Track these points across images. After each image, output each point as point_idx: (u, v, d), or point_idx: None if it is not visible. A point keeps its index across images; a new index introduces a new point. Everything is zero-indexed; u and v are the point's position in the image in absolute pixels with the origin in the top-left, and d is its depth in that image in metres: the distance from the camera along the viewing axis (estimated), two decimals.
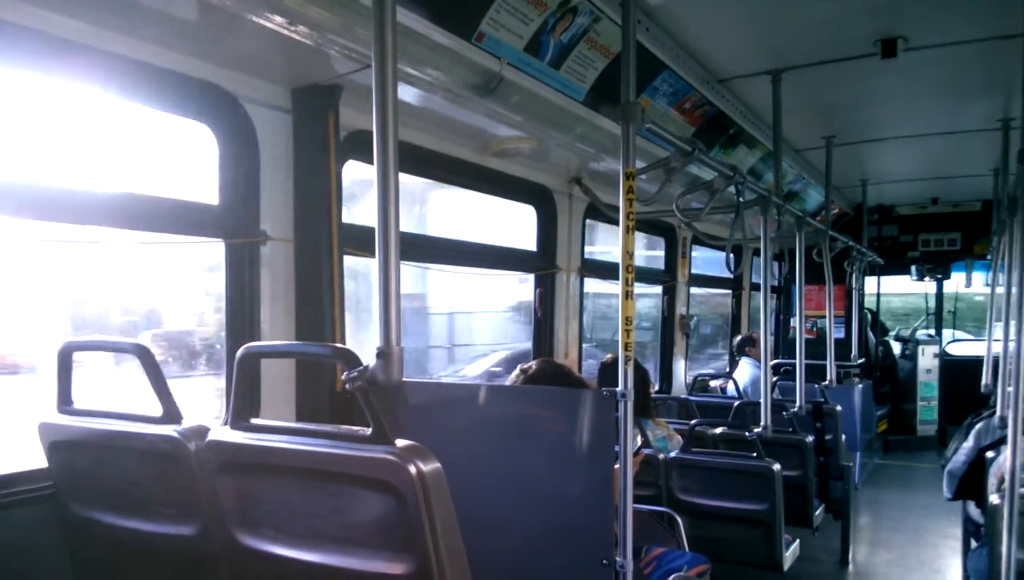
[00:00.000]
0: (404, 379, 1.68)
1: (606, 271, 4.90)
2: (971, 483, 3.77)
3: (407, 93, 2.56)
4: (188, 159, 2.61)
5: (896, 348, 9.79)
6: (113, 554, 2.04)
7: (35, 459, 2.08)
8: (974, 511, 4.04)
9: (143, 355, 1.86)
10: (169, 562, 1.95)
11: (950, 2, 3.15)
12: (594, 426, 2.14)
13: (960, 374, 8.26)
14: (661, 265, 6.13)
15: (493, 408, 2.39)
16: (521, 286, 5.16)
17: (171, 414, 1.85)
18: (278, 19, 2.00)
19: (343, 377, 1.60)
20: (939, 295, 10.09)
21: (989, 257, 6.82)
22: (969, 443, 3.95)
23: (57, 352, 2.02)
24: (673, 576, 2.85)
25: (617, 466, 2.22)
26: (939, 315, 10.18)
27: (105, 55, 2.08)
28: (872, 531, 5.93)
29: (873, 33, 3.44)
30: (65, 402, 2.03)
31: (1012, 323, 3.11)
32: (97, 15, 1.99)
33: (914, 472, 8.10)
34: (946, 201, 8.33)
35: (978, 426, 4.02)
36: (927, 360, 9.05)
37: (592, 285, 5.13)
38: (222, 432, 1.78)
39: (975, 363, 6.58)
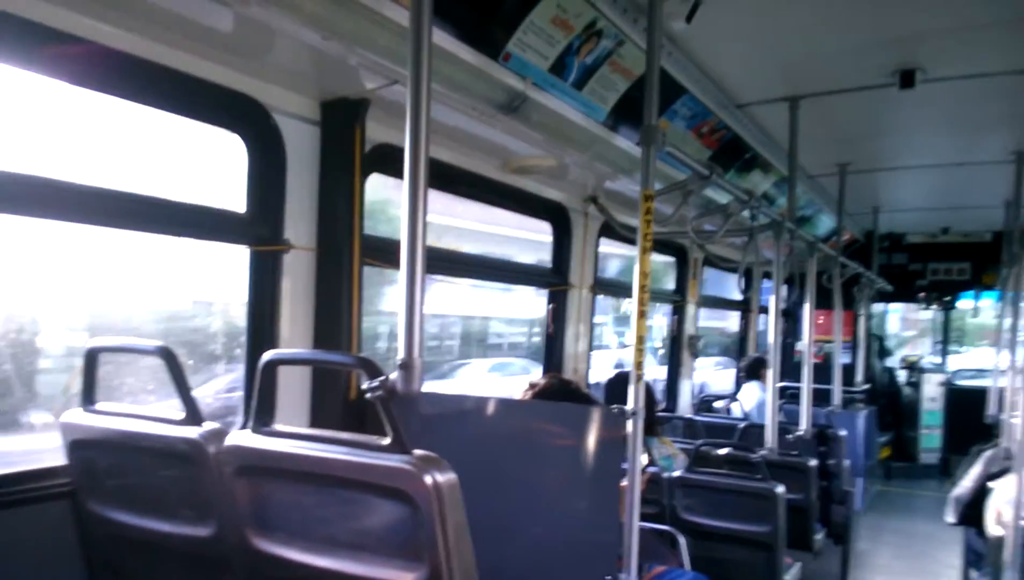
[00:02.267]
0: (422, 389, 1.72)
1: (619, 290, 4.93)
2: (975, 510, 3.78)
3: (434, 109, 2.59)
4: (217, 166, 2.66)
5: (901, 376, 9.79)
6: (128, 553, 2.07)
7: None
8: (975, 540, 4.05)
9: (167, 357, 1.90)
10: (183, 563, 1.97)
11: (969, 35, 3.18)
12: (603, 442, 2.16)
13: (965, 403, 8.25)
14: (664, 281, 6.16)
15: (503, 421, 2.42)
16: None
17: (193, 416, 1.89)
18: (312, 32, 2.05)
19: (364, 386, 1.64)
20: (946, 324, 10.08)
21: (998, 288, 6.82)
22: (977, 470, 3.96)
23: (84, 353, 2.07)
24: None
25: (624, 483, 2.25)
26: (945, 344, 10.17)
27: (142, 64, 2.12)
28: (872, 557, 5.93)
29: (892, 64, 3.47)
30: (89, 401, 2.07)
31: (1020, 353, 3.12)
32: (135, 24, 2.03)
33: (915, 499, 8.09)
34: (957, 231, 8.35)
35: (987, 454, 4.03)
36: (931, 388, 9.05)
37: None
38: (242, 436, 1.81)
39: (980, 393, 6.59)
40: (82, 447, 2.07)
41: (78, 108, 2.22)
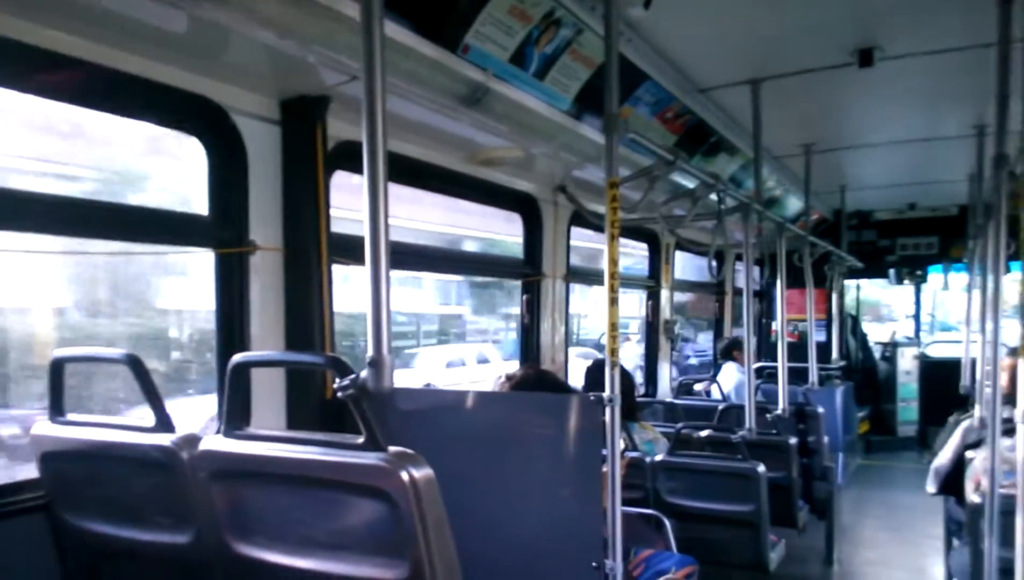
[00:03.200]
0: (395, 386, 1.70)
1: (591, 277, 4.94)
2: (954, 480, 3.84)
3: (394, 104, 2.59)
4: (178, 170, 2.63)
5: (876, 350, 9.92)
6: (106, 563, 2.05)
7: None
8: (955, 509, 4.11)
9: (134, 365, 1.88)
10: (163, 571, 1.96)
11: (925, 13, 3.22)
12: (582, 431, 2.17)
13: (939, 375, 8.38)
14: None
15: (482, 414, 2.42)
16: None
17: (164, 423, 1.87)
18: (267, 32, 2.03)
19: (335, 386, 1.63)
20: (917, 298, 10.22)
21: (966, 260, 6.93)
22: (956, 440, 4.02)
23: (49, 363, 2.03)
24: (662, 578, 2.89)
25: (605, 469, 2.26)
26: (918, 318, 10.31)
27: (95, 68, 2.09)
28: (856, 531, 6.00)
29: (850, 43, 3.50)
30: (58, 412, 2.04)
31: (988, 324, 3.17)
32: (87, 28, 2.01)
33: (895, 472, 8.20)
34: (923, 206, 8.45)
35: (964, 424, 4.09)
36: (907, 362, 9.18)
37: None
38: (215, 441, 1.80)
39: (954, 364, 6.69)
40: (54, 459, 2.04)
41: (29, 113, 2.18)
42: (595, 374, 3.63)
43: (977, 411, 3.92)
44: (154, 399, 1.87)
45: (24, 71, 1.97)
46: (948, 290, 9.23)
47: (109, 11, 1.90)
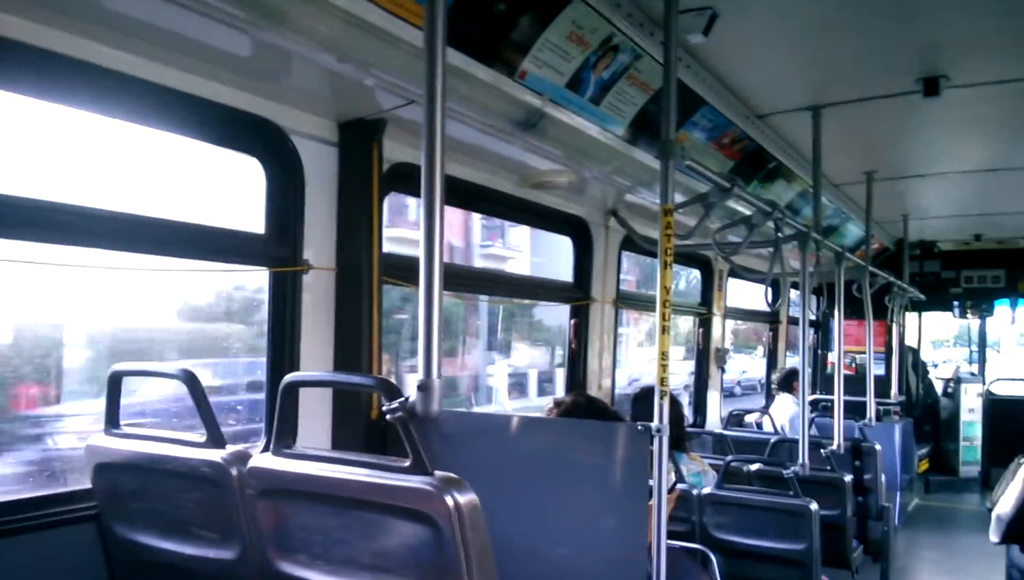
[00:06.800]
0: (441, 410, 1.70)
1: (641, 303, 4.89)
2: (1020, 526, 3.66)
3: (451, 128, 2.60)
4: (236, 188, 2.69)
5: (938, 386, 9.59)
6: (153, 576, 2.07)
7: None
8: (1019, 556, 3.92)
9: (190, 381, 1.91)
10: None
11: (993, 41, 3.13)
12: (628, 461, 2.13)
13: (1005, 414, 8.05)
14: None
15: (527, 440, 2.39)
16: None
17: (215, 439, 1.89)
18: (327, 56, 2.06)
19: (384, 408, 1.63)
20: (982, 333, 9.86)
21: None
22: (1018, 484, 3.84)
23: (107, 377, 2.08)
24: None
25: (651, 502, 2.21)
26: (982, 353, 9.95)
27: (159, 90, 2.15)
28: (912, 574, 5.78)
29: (915, 71, 3.42)
30: (113, 425, 2.09)
31: None
32: (152, 50, 2.07)
33: (956, 514, 7.88)
34: (989, 237, 8.18)
35: None
36: (970, 399, 8.85)
37: None
38: (264, 459, 1.81)
39: (1020, 403, 6.42)
40: (106, 470, 2.08)
41: (96, 135, 2.25)
42: (643, 402, 3.58)
43: None
44: (207, 415, 1.90)
45: (91, 91, 2.04)
46: (1015, 324, 8.89)
47: (175, 33, 1.96)
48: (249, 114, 2.40)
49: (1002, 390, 9.20)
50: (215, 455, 1.87)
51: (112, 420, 2.09)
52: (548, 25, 2.55)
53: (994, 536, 3.89)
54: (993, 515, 3.92)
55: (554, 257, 4.39)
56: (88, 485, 2.13)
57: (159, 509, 2.03)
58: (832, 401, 4.36)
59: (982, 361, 9.95)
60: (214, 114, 2.32)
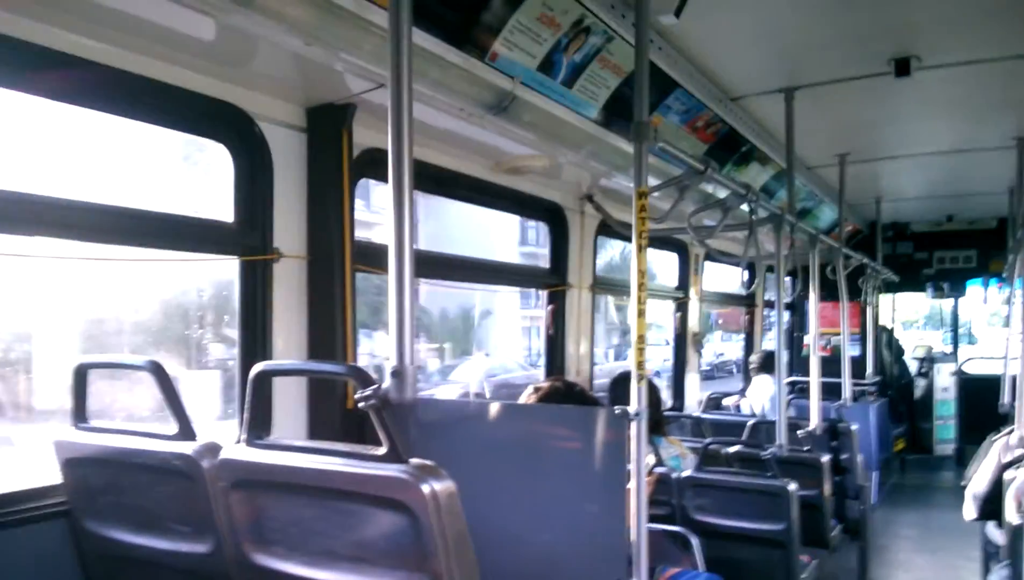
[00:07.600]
0: (417, 397, 1.68)
1: (618, 288, 4.89)
2: (994, 503, 3.72)
3: (421, 112, 2.57)
4: (203, 177, 2.64)
5: (912, 366, 9.72)
6: (126, 571, 2.04)
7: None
8: (994, 532, 3.98)
9: (157, 372, 1.88)
10: (183, 579, 1.95)
11: (964, 22, 3.14)
12: (607, 445, 2.13)
13: (978, 392, 8.18)
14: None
15: (505, 426, 2.38)
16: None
17: (185, 431, 1.86)
18: (295, 39, 2.02)
19: (356, 396, 1.60)
20: (955, 313, 10.00)
21: (1005, 274, 6.76)
22: (991, 462, 3.89)
23: (72, 370, 2.04)
24: None
25: (630, 485, 2.21)
26: (955, 333, 10.09)
27: (122, 75, 2.11)
28: (890, 552, 5.86)
29: (886, 52, 3.43)
30: (80, 419, 2.04)
31: None
32: (115, 34, 2.02)
33: (932, 491, 8.01)
34: (961, 218, 8.28)
35: (998, 443, 3.96)
36: (944, 378, 8.98)
37: None
38: (236, 450, 1.78)
39: (993, 381, 6.51)
40: (76, 465, 2.05)
41: (55, 119, 2.19)
42: (621, 387, 3.58)
43: (1017, 430, 3.80)
44: (176, 407, 1.87)
45: (50, 77, 1.99)
46: (987, 304, 9.02)
47: (137, 17, 1.92)
48: (215, 100, 2.36)
49: (975, 369, 9.35)
50: (186, 447, 1.84)
51: (80, 415, 2.05)
52: (519, 6, 2.52)
53: (970, 513, 3.95)
54: (968, 493, 3.98)
55: None
56: (58, 480, 2.09)
57: (131, 503, 2.00)
58: (808, 382, 4.39)
59: (955, 341, 10.11)
60: (179, 100, 2.27)
